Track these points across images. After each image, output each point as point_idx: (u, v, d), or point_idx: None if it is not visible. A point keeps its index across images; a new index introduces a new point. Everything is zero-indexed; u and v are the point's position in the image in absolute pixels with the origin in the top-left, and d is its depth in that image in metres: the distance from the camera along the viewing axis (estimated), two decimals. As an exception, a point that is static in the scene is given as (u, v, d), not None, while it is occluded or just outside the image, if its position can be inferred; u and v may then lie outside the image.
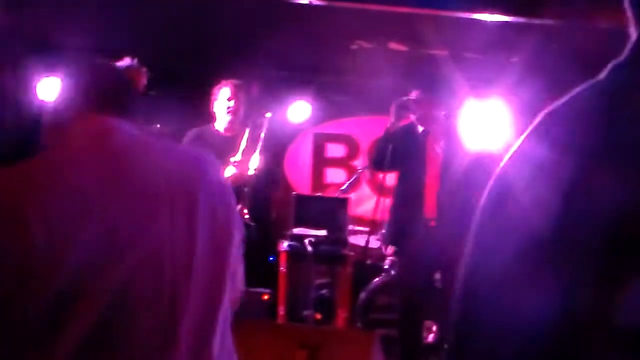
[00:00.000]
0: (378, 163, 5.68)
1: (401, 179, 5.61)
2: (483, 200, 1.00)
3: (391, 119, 5.61)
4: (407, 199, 5.44)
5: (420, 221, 5.39)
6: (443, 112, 5.72)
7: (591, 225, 0.86)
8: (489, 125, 7.98)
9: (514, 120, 8.14)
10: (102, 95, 2.06)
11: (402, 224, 5.51)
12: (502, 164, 1.02)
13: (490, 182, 1.00)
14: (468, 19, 7.04)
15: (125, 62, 5.11)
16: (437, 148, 5.60)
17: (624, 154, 0.87)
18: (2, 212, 1.74)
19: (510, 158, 1.03)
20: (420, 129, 5.63)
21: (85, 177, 1.82)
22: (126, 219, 1.81)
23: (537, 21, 7.04)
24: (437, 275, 5.74)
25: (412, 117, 5.60)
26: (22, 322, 1.70)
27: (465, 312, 0.98)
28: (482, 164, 5.28)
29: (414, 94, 5.64)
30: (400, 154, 5.45)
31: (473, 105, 7.85)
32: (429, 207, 5.45)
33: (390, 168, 5.59)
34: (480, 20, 7.05)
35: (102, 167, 1.86)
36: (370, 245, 6.43)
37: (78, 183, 1.81)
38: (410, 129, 5.65)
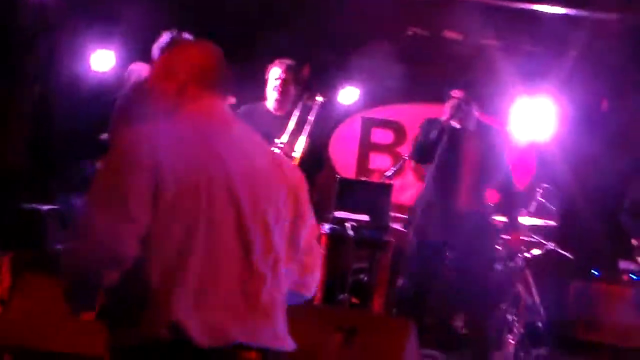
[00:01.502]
0: (423, 154, 5.73)
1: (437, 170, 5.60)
2: None
3: (446, 115, 5.65)
4: (439, 190, 5.45)
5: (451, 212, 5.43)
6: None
7: None
8: (537, 121, 7.95)
9: (563, 116, 8.08)
10: (211, 73, 2.28)
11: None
12: None
13: None
14: (523, 9, 6.97)
15: (186, 35, 5.13)
16: (471, 144, 5.62)
17: None
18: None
19: None
20: (457, 125, 5.65)
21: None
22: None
23: (595, 14, 6.95)
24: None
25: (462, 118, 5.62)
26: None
27: None
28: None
29: (457, 92, 5.64)
30: (440, 148, 5.49)
31: (524, 102, 7.81)
32: (463, 200, 5.49)
33: (431, 160, 5.64)
34: (537, 11, 6.98)
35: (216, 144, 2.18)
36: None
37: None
38: (449, 125, 5.68)
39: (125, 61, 6.57)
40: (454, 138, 5.52)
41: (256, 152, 2.29)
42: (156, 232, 2.04)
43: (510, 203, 5.88)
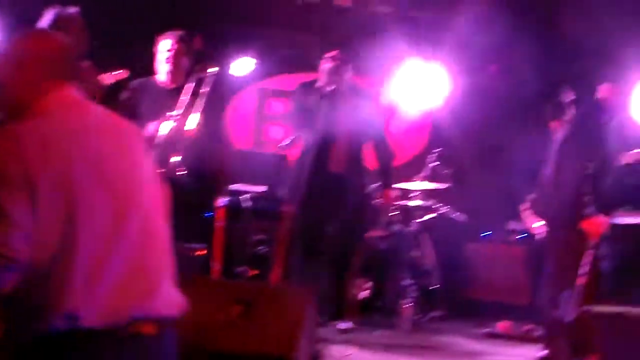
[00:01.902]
0: (302, 121, 5.70)
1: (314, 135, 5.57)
2: None
3: (322, 79, 5.62)
4: (317, 154, 5.44)
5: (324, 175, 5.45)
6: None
7: None
8: (429, 87, 8.10)
9: (454, 81, 8.26)
10: (59, 64, 2.33)
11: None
12: None
13: None
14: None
15: (72, 10, 5.00)
16: (345, 107, 5.62)
17: None
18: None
19: None
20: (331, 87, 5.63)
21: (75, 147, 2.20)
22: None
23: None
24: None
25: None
26: None
27: None
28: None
29: (333, 54, 5.63)
30: (311, 113, 5.48)
31: (413, 65, 7.93)
32: (341, 163, 5.52)
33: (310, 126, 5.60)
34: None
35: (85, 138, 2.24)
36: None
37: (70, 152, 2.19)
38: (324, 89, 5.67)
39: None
40: (329, 102, 5.50)
41: (119, 133, 2.41)
42: (40, 229, 2.11)
43: (384, 165, 5.95)
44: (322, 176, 5.40)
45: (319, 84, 5.54)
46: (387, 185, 5.95)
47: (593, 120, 5.27)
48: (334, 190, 5.41)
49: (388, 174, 5.96)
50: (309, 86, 5.69)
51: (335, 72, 5.55)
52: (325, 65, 5.65)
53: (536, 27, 7.76)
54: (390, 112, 8.78)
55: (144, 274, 2.27)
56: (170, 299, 2.35)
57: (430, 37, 7.90)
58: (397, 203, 6.99)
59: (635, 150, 6.68)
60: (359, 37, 8.08)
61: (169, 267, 2.40)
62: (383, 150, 5.88)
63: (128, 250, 2.25)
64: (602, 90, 5.37)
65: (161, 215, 2.47)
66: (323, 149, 5.41)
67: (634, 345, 4.25)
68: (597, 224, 5.10)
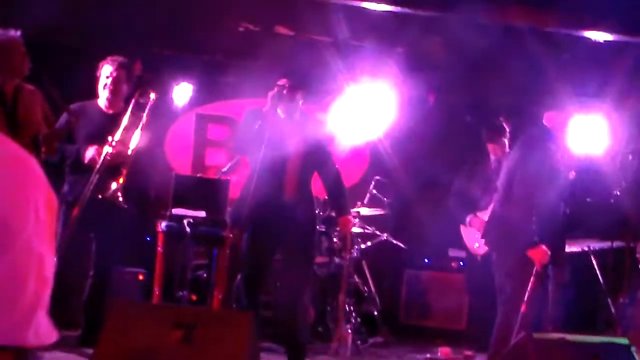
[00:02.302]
0: (247, 146, 5.64)
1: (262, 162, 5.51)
2: None
3: (268, 104, 5.59)
4: (265, 182, 5.38)
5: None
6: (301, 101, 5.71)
7: None
8: (371, 116, 8.17)
9: (396, 110, 8.34)
10: None
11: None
12: None
13: None
14: (354, 6, 7.13)
15: (13, 33, 4.92)
16: (295, 134, 5.60)
17: None
18: None
19: None
20: (281, 115, 5.60)
21: None
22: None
23: (421, 12, 7.18)
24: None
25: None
26: None
27: None
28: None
29: (282, 82, 5.61)
30: (260, 138, 5.42)
31: (354, 93, 8.00)
32: (290, 191, 5.48)
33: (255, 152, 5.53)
34: (366, 8, 7.15)
35: None
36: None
37: None
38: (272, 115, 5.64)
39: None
40: (278, 128, 5.46)
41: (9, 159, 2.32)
42: None
43: (337, 191, 5.90)
44: (270, 202, 5.35)
45: (267, 109, 5.51)
46: (345, 212, 5.87)
47: (541, 145, 5.36)
48: (283, 217, 5.35)
49: (344, 201, 5.89)
50: (257, 112, 5.65)
51: (285, 98, 5.50)
52: (276, 90, 5.62)
53: (472, 60, 7.90)
54: (331, 140, 8.83)
55: (13, 303, 2.17)
56: (39, 330, 2.32)
57: (371, 67, 7.98)
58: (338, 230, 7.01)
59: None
60: (300, 65, 8.12)
61: (46, 296, 2.33)
62: (334, 178, 5.83)
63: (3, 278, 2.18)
64: (548, 118, 5.48)
65: (46, 243, 2.34)
66: (272, 174, 5.36)
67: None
68: (541, 252, 5.17)
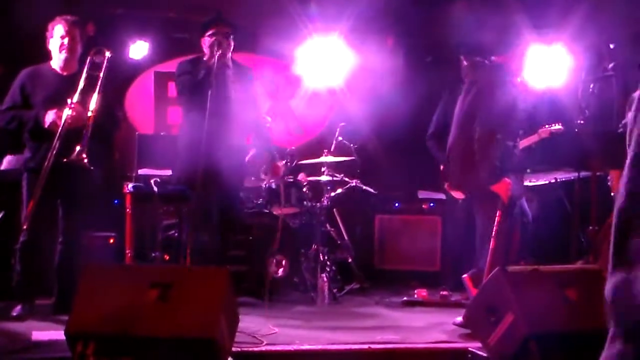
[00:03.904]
0: (192, 95, 5.70)
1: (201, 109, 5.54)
2: None
3: (208, 53, 5.64)
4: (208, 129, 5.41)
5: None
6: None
7: None
8: (328, 63, 8.07)
9: (357, 58, 8.26)
10: None
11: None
12: None
13: None
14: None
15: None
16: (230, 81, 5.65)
17: None
18: None
19: None
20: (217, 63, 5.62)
21: None
22: None
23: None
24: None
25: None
26: None
27: None
28: None
29: (220, 30, 5.68)
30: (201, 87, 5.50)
31: (316, 42, 7.88)
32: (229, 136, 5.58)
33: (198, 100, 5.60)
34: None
35: None
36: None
37: None
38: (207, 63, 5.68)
39: None
40: (217, 77, 5.52)
41: None
42: None
43: (266, 144, 6.06)
44: (218, 152, 5.38)
45: (206, 59, 5.56)
46: (273, 159, 6.10)
47: (498, 81, 5.35)
48: (228, 166, 5.45)
49: (271, 150, 6.11)
50: (194, 62, 5.68)
51: (220, 47, 5.57)
52: (209, 40, 5.67)
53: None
54: (295, 89, 8.78)
55: None
56: None
57: (330, 14, 7.88)
58: (308, 179, 6.99)
59: (551, 127, 6.89)
60: (259, 17, 8.00)
61: None
62: (262, 132, 6.01)
63: None
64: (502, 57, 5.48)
65: None
66: (216, 124, 5.39)
67: (548, 301, 4.34)
68: (505, 185, 5.20)
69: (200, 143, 5.21)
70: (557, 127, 6.86)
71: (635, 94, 1.98)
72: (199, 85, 5.48)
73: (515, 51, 5.48)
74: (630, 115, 1.90)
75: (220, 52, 5.57)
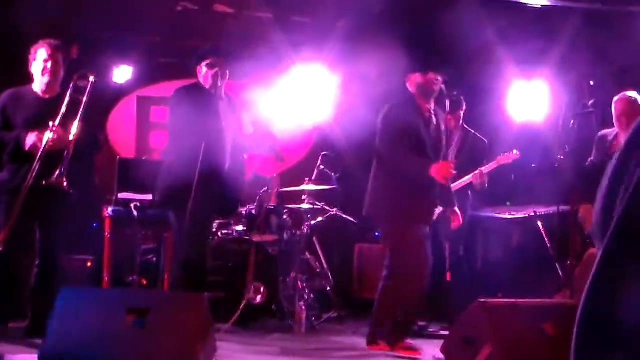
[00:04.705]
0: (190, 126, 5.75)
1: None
2: None
3: (209, 83, 5.68)
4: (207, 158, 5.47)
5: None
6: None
7: None
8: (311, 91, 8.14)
9: (342, 85, 8.32)
10: None
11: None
12: None
13: None
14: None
15: None
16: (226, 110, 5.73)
17: None
18: None
19: None
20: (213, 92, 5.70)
21: None
22: None
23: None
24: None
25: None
26: None
27: None
28: None
29: (217, 61, 5.73)
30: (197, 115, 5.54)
31: (299, 71, 7.95)
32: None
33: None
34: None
35: None
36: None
37: None
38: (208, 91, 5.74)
39: None
40: (215, 105, 5.59)
41: None
42: None
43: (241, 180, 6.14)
44: (213, 178, 5.40)
45: (208, 87, 5.61)
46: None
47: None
48: (222, 193, 5.48)
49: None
50: (194, 90, 5.69)
51: (219, 77, 5.61)
52: (208, 70, 5.70)
53: (416, 34, 7.91)
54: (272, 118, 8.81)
55: None
56: None
57: (314, 42, 7.93)
58: (288, 207, 7.00)
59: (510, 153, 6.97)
60: (241, 43, 8.03)
61: None
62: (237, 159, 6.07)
63: None
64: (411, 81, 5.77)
65: None
66: (217, 148, 5.44)
67: (526, 334, 4.35)
68: (442, 167, 5.43)
69: (195, 167, 5.24)
70: (515, 152, 6.97)
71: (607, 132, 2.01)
72: (200, 114, 5.51)
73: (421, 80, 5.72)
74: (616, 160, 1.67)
75: (222, 83, 5.65)
